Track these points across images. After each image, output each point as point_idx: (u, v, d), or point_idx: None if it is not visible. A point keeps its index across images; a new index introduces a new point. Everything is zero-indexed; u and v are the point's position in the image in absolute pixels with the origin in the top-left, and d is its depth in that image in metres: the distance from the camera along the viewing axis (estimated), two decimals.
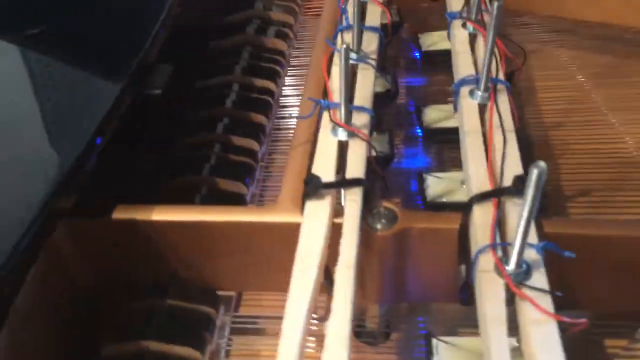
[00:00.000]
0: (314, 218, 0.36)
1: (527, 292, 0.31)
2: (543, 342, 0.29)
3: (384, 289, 0.42)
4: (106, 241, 0.41)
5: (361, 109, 0.42)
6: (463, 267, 0.37)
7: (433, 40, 0.64)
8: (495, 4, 0.38)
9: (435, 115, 0.55)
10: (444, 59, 0.63)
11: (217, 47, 0.64)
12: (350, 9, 0.52)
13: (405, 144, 0.59)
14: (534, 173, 0.28)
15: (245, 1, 0.71)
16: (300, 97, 0.58)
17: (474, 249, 0.34)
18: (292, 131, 0.53)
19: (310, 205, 0.37)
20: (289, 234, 0.38)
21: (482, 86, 0.43)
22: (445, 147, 0.57)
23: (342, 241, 0.35)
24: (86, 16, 0.49)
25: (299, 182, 0.41)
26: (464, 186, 0.47)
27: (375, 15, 0.52)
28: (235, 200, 0.49)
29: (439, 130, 0.53)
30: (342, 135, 0.41)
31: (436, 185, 0.48)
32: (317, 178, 0.37)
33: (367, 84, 0.44)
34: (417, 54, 0.65)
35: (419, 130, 0.56)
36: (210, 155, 0.52)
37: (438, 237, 0.38)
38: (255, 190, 0.53)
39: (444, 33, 0.64)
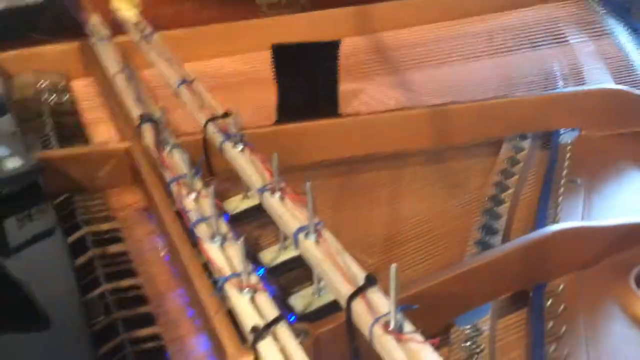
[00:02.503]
0: (272, 353, 0.54)
1: (407, 336, 0.54)
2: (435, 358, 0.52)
3: None
4: None
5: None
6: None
7: (235, 205, 0.86)
8: (308, 186, 0.63)
9: (270, 255, 0.76)
10: (247, 215, 0.86)
11: None
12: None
13: None
14: (393, 271, 0.52)
15: None
16: None
17: (365, 328, 0.56)
18: None
19: (262, 346, 0.55)
20: None
21: (311, 230, 0.66)
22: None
23: None
24: None
25: (233, 338, 0.58)
26: (317, 295, 0.70)
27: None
28: None
29: (281, 265, 0.74)
30: (249, 293, 0.60)
31: (299, 302, 0.69)
32: (258, 327, 0.55)
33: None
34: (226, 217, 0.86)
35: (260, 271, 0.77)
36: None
37: (337, 331, 0.59)
38: None
39: (239, 196, 0.88)
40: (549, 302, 0.72)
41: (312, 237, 0.66)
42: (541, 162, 1.01)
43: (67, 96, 1.15)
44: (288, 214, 0.71)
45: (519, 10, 1.45)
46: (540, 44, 1.35)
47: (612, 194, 0.93)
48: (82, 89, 1.21)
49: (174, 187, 0.77)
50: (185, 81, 1.02)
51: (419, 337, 0.54)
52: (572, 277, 0.75)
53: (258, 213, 0.84)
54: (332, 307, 0.66)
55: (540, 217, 0.86)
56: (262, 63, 1.33)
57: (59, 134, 1.01)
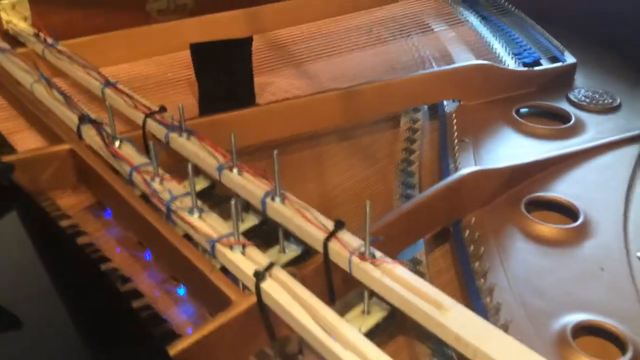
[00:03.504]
0: (279, 289, 0.64)
1: (381, 260, 0.67)
2: (408, 274, 0.65)
3: None
4: None
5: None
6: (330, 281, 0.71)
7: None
8: (275, 154, 0.73)
9: None
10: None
11: None
12: None
13: None
14: (367, 208, 0.64)
15: None
16: None
17: (343, 261, 0.68)
18: None
19: (266, 285, 0.64)
20: (252, 316, 0.64)
21: (278, 193, 0.77)
22: None
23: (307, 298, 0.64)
24: None
25: (234, 287, 0.67)
26: (282, 253, 0.80)
27: None
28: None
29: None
30: (240, 248, 0.69)
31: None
32: (260, 270, 0.65)
33: (217, 219, 0.73)
34: None
35: None
36: None
37: (317, 270, 0.70)
38: None
39: (184, 183, 0.94)
40: (466, 232, 0.89)
41: (278, 200, 0.77)
42: (434, 129, 1.19)
43: None
44: (250, 184, 0.80)
45: (385, 7, 1.65)
46: (410, 33, 1.56)
47: (492, 146, 1.13)
48: None
49: (136, 176, 0.83)
50: (109, 84, 1.06)
51: (389, 259, 0.67)
52: (479, 212, 0.93)
53: (207, 197, 0.93)
54: (299, 259, 0.78)
55: (445, 169, 1.03)
56: (168, 65, 1.40)
57: None
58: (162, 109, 0.97)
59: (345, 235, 0.71)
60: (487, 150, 1.11)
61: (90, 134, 0.93)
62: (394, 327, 0.72)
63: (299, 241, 0.78)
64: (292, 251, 0.79)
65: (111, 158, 0.87)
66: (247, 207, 0.84)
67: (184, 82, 1.31)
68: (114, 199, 0.85)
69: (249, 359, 0.69)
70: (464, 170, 0.93)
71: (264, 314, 0.66)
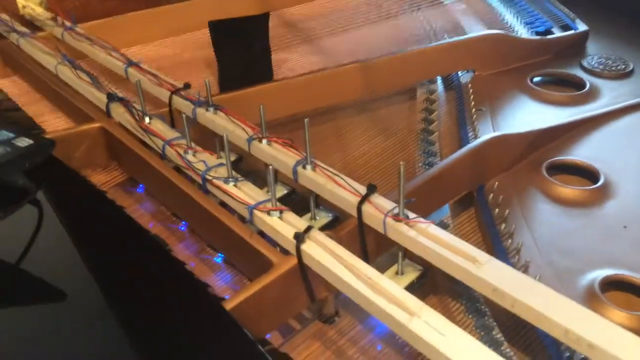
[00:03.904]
0: (319, 250, 0.66)
1: (414, 220, 0.69)
2: (442, 232, 0.67)
3: None
4: None
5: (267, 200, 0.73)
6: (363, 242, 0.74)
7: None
8: (306, 122, 0.75)
9: None
10: None
11: None
12: None
13: None
14: (402, 169, 0.66)
15: None
16: None
17: (377, 223, 0.70)
18: None
19: (306, 246, 0.67)
20: (293, 277, 0.67)
21: (309, 161, 0.79)
22: None
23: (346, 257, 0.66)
24: None
25: (274, 250, 0.69)
26: (314, 220, 0.82)
27: None
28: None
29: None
30: (278, 213, 0.71)
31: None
32: (299, 233, 0.67)
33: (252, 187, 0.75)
34: None
35: None
36: None
37: (351, 232, 0.73)
38: None
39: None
40: (490, 197, 0.91)
41: (310, 167, 0.79)
42: (450, 99, 1.21)
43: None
44: (281, 154, 0.82)
45: None
46: (421, 6, 1.56)
47: (509, 114, 1.15)
48: (7, 88, 1.21)
49: (169, 149, 0.85)
50: (132, 63, 1.08)
51: (422, 219, 0.70)
52: (501, 177, 0.95)
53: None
54: (329, 225, 0.80)
55: (464, 137, 1.05)
56: (183, 45, 1.41)
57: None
58: (187, 85, 0.99)
59: (377, 199, 0.73)
60: (503, 118, 1.13)
61: (119, 112, 0.94)
62: (426, 287, 0.75)
63: (328, 209, 0.81)
64: (324, 218, 0.81)
65: (143, 134, 0.89)
66: (274, 178, 0.86)
67: (199, 62, 1.32)
68: (148, 173, 0.87)
69: (288, 320, 0.72)
70: (487, 136, 0.95)
71: (304, 275, 0.69)
